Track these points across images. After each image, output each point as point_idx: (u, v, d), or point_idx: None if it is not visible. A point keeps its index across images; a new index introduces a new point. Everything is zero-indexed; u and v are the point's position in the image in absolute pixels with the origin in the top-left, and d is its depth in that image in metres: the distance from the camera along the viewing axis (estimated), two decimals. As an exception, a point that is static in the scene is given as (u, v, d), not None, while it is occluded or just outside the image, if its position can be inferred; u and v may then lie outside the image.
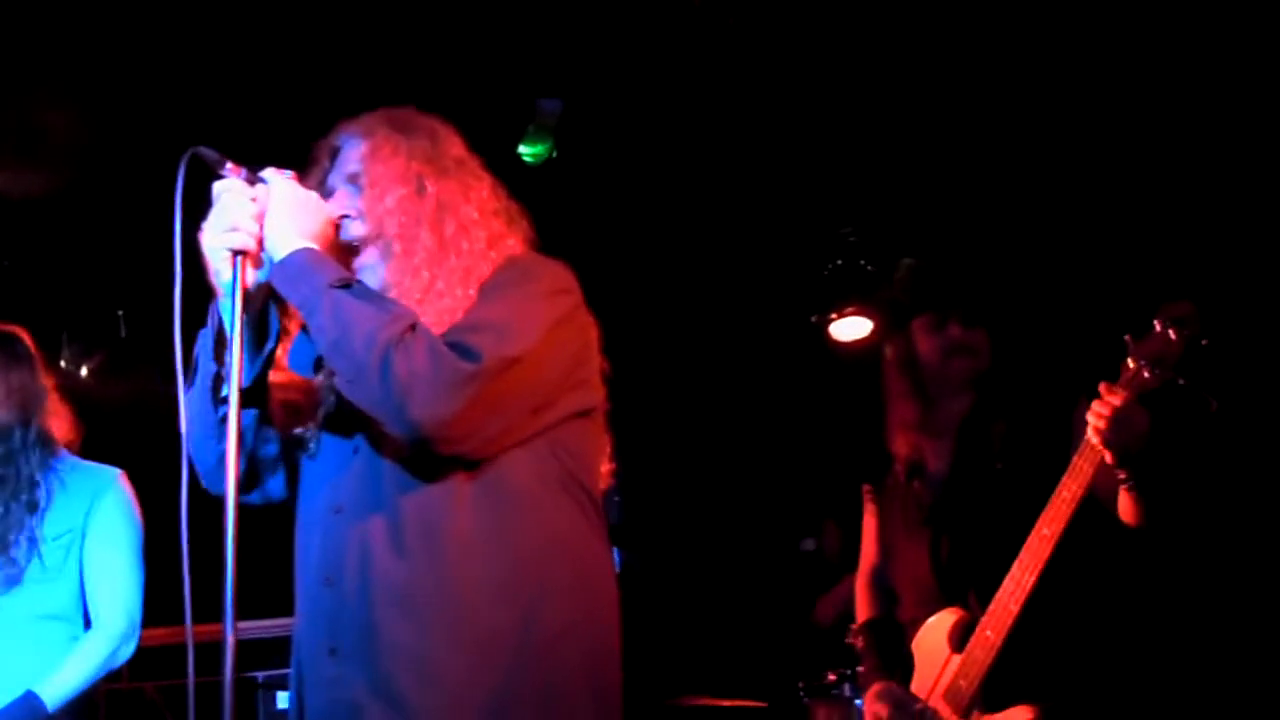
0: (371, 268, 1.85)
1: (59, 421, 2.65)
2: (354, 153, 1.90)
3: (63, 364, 4.73)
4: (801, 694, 4.59)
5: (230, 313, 1.74)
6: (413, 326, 1.69)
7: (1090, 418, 2.25)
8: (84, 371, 4.79)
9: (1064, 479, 2.35)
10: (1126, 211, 4.15)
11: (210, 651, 1.60)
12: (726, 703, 4.57)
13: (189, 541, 1.65)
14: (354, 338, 1.67)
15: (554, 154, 4.16)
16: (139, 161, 4.19)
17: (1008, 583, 2.40)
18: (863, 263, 5.05)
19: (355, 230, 1.86)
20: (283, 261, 1.75)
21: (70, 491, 2.57)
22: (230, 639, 1.59)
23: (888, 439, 2.78)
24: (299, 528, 1.91)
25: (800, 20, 3.64)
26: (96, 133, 4.05)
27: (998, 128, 4.26)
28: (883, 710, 2.65)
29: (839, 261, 5.08)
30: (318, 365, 1.92)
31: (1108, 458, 2.26)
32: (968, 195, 4.70)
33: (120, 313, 4.78)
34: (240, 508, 1.71)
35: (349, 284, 1.74)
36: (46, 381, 2.66)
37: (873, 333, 5.18)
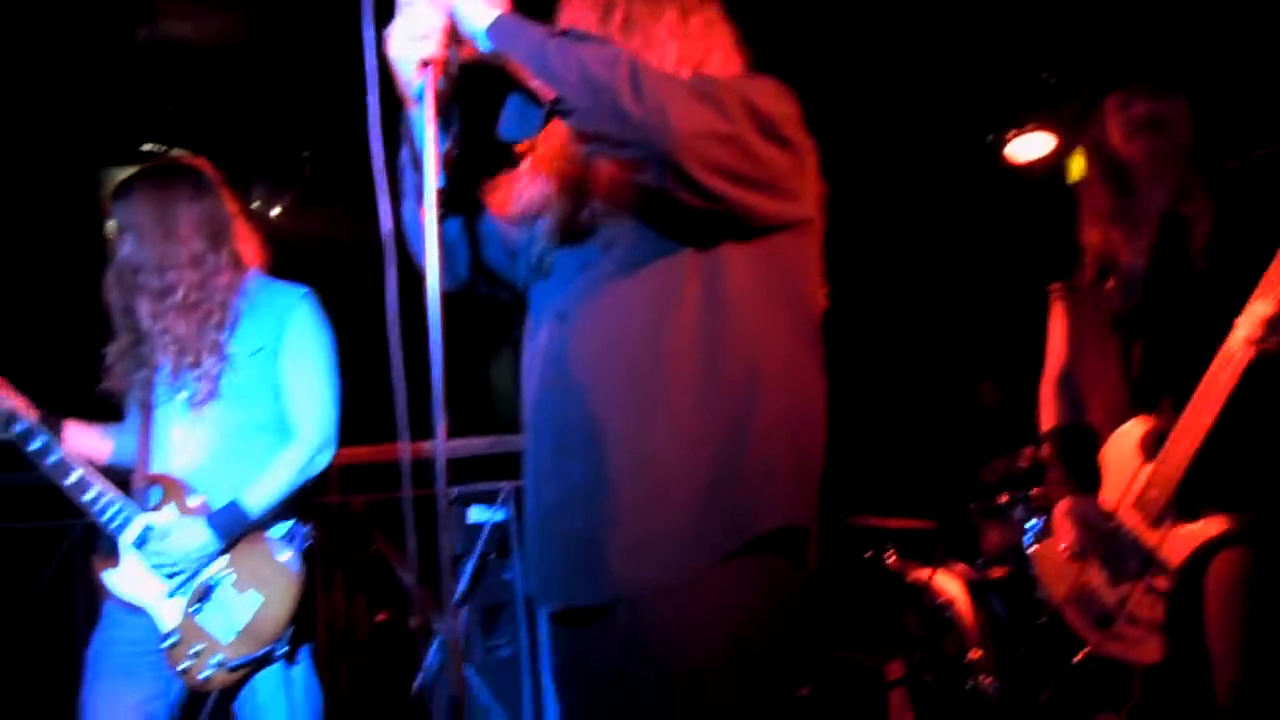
0: None
1: (247, 245, 2.74)
2: None
3: (254, 205, 4.95)
4: (974, 514, 4.62)
5: (422, 121, 1.77)
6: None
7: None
8: (275, 212, 5.01)
9: (1260, 285, 2.23)
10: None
11: (418, 468, 1.68)
12: (897, 523, 4.63)
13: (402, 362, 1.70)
14: (593, 68, 1.67)
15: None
16: (315, 4, 4.27)
17: (1202, 390, 2.33)
18: (1045, 76, 4.78)
19: None
20: (494, 24, 1.74)
21: (260, 309, 2.67)
22: (442, 445, 1.64)
23: (1078, 231, 2.64)
24: (526, 338, 1.99)
25: None
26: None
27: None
28: (1074, 528, 2.62)
29: (1019, 75, 4.82)
30: (548, 117, 1.81)
31: None
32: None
33: (305, 154, 4.94)
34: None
35: (565, 32, 1.74)
36: (232, 208, 2.73)
37: (1054, 150, 4.95)
